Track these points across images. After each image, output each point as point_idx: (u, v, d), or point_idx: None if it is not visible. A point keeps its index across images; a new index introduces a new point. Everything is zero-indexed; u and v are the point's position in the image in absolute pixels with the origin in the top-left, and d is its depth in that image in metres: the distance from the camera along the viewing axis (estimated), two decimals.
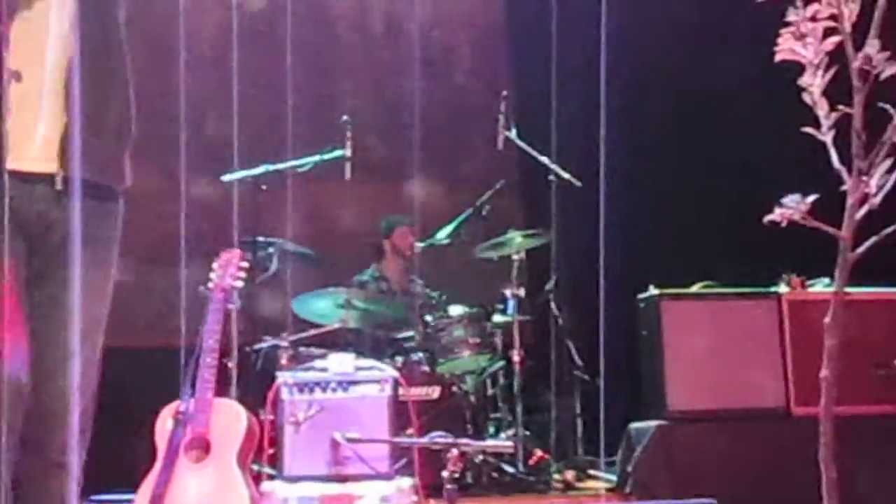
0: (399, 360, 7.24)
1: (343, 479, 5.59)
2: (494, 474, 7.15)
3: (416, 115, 9.18)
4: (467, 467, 6.88)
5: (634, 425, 6.72)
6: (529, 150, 7.91)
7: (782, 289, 6.91)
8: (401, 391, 5.93)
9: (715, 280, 7.13)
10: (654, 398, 6.66)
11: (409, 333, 7.67)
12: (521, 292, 7.67)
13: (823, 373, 2.94)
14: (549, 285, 8.06)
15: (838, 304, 2.93)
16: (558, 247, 7.94)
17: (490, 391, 7.85)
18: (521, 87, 9.05)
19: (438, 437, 5.48)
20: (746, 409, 6.67)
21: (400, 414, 5.90)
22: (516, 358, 7.48)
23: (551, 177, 7.81)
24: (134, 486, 5.38)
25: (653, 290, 6.80)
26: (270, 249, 7.29)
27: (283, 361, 6.83)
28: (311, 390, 5.78)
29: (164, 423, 5.44)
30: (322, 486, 5.56)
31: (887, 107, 2.88)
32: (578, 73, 8.01)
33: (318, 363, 5.99)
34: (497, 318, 7.75)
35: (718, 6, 7.69)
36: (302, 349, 7.10)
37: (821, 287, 6.84)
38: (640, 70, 7.17)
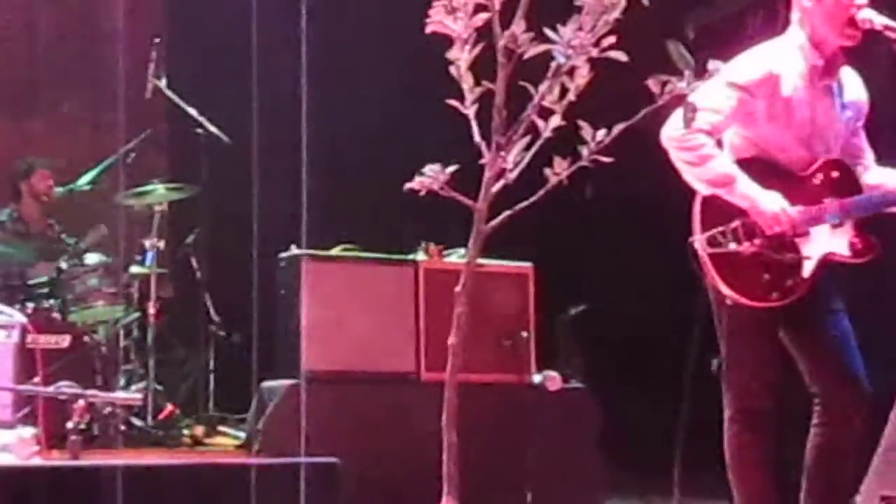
0: (29, 306, 7.02)
1: None
2: (122, 427, 7.04)
3: (64, 56, 8.91)
4: (94, 419, 6.73)
5: (267, 384, 6.73)
6: (178, 101, 7.79)
7: (420, 257, 7.05)
8: (29, 338, 5.75)
9: (358, 244, 7.21)
10: (289, 357, 6.69)
11: (42, 279, 7.44)
12: (161, 244, 7.57)
13: (451, 339, 3.02)
14: (190, 239, 7.98)
15: (469, 274, 3.01)
16: (203, 201, 7.86)
17: (123, 343, 7.72)
18: (175, 34, 8.89)
19: (65, 387, 5.35)
20: (378, 373, 6.79)
21: (26, 361, 5.73)
22: (151, 310, 7.39)
23: (199, 130, 7.72)
24: None
25: (294, 250, 6.82)
26: None
27: None
28: None
29: None
30: None
31: (528, 85, 2.97)
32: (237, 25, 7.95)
33: None
34: (135, 269, 7.62)
35: None
36: None
37: (456, 257, 7.01)
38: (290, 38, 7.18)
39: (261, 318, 7.10)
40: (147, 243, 7.55)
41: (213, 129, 7.68)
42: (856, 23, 4.45)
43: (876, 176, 4.69)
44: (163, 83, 7.78)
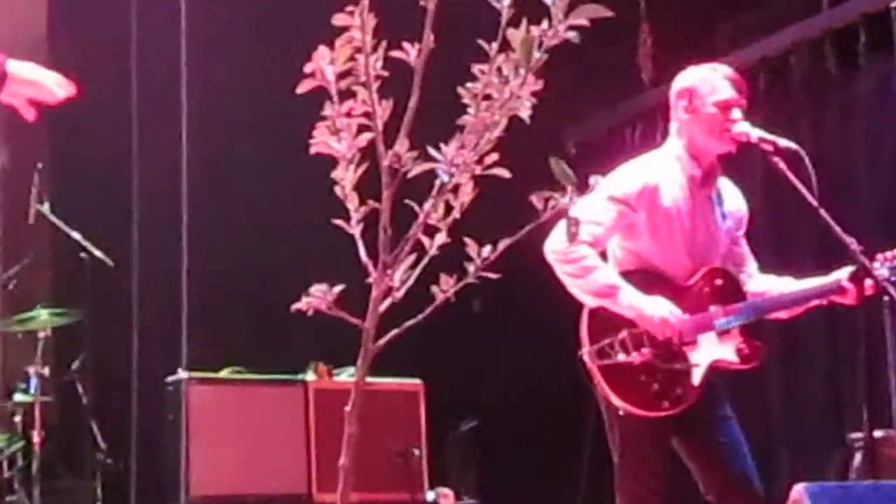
0: None
1: None
2: None
3: None
4: None
5: None
6: (62, 225, 7.71)
7: (310, 377, 7.02)
8: None
9: (245, 366, 7.16)
10: (177, 482, 6.59)
11: None
12: (46, 371, 7.44)
13: (342, 460, 2.99)
14: (76, 365, 7.85)
15: (359, 392, 2.99)
16: (89, 326, 7.75)
17: (7, 473, 7.53)
18: (57, 160, 8.82)
19: None
20: (269, 495, 6.71)
21: None
22: (36, 439, 7.24)
23: (83, 254, 7.64)
24: None
25: (181, 374, 6.75)
26: None
27: None
28: None
29: None
30: None
31: (413, 204, 2.98)
32: (118, 151, 7.92)
33: None
34: (19, 396, 7.47)
35: (261, 92, 7.78)
36: None
37: (346, 376, 6.99)
38: (169, 156, 7.19)
39: (150, 442, 7.00)
40: (31, 370, 7.42)
41: (97, 252, 7.60)
42: (732, 137, 4.55)
43: (759, 283, 4.77)
44: (46, 208, 7.70)
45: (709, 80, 4.62)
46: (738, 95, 4.59)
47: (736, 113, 4.56)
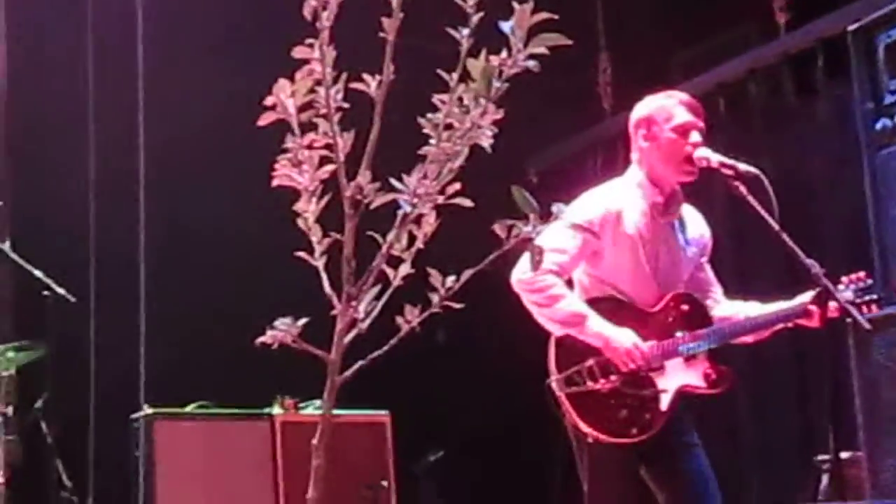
0: None
1: None
2: None
3: None
4: None
5: None
6: (23, 262, 7.66)
7: (276, 410, 6.98)
8: None
9: (212, 400, 7.11)
10: None
11: None
12: (9, 410, 7.37)
13: (310, 493, 2.98)
14: (39, 403, 7.78)
15: (325, 425, 2.98)
16: (52, 363, 7.69)
17: None
18: (18, 198, 8.77)
19: None
20: None
21: None
22: (1, 479, 7.16)
23: (47, 292, 7.58)
24: None
25: (147, 410, 6.71)
26: None
27: None
28: None
29: None
30: None
31: (376, 235, 2.98)
32: (77, 186, 7.89)
33: None
34: None
35: (220, 125, 7.76)
36: None
37: (312, 409, 6.97)
38: (127, 190, 7.15)
39: (117, 480, 6.94)
40: None
41: (59, 290, 7.55)
42: (692, 161, 4.56)
43: (725, 308, 4.78)
44: (7, 246, 7.65)
45: (665, 107, 4.64)
46: (694, 119, 4.60)
47: (694, 136, 4.57)
